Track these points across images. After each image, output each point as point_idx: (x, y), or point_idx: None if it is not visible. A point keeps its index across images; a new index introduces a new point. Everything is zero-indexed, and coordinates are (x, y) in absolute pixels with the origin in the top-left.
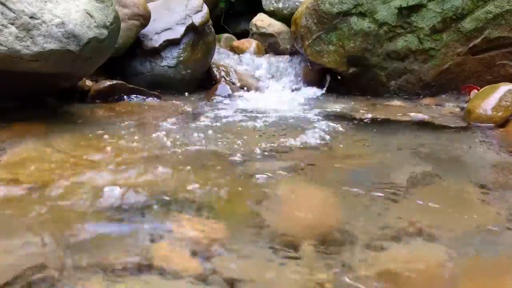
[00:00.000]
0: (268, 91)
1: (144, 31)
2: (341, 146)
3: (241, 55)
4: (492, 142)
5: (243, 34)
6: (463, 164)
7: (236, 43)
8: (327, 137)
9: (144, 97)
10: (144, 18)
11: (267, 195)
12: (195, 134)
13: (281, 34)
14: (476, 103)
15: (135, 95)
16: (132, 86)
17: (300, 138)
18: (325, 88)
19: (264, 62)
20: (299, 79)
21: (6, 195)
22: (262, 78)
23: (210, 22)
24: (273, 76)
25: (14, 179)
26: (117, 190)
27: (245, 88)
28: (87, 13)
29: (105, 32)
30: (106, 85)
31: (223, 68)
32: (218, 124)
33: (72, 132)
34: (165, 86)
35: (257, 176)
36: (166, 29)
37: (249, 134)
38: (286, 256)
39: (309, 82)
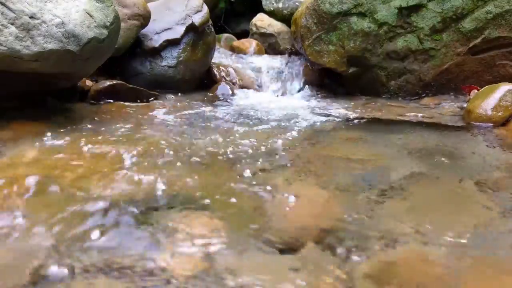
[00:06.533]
0: (268, 91)
1: (144, 31)
2: (341, 145)
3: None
4: (492, 142)
5: (243, 34)
6: (462, 164)
7: (236, 43)
8: (327, 136)
9: (144, 97)
10: (144, 18)
11: (267, 194)
12: (195, 134)
13: (281, 34)
14: (476, 103)
15: (135, 95)
16: (132, 86)
17: (300, 137)
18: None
19: (264, 62)
20: (299, 79)
21: (5, 194)
22: (262, 78)
23: (210, 22)
24: (273, 76)
25: (14, 178)
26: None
27: (246, 88)
28: (87, 13)
29: (105, 32)
30: (106, 85)
31: (223, 68)
32: (217, 123)
33: (72, 132)
34: (165, 86)
35: (256, 175)
36: (166, 29)
37: (249, 134)
38: (286, 256)
39: (309, 82)
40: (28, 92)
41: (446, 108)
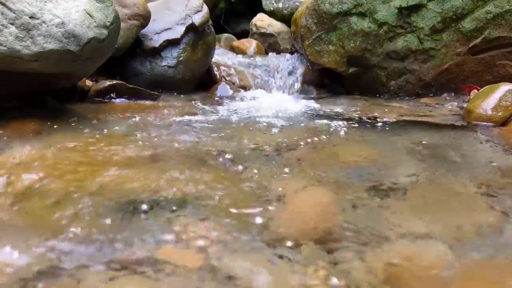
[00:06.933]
0: (268, 91)
1: (144, 31)
2: (341, 145)
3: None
4: (492, 142)
5: (243, 34)
6: (462, 163)
7: (236, 43)
8: (327, 137)
9: (144, 97)
10: (144, 18)
11: (267, 194)
12: (195, 134)
13: (281, 34)
14: (476, 103)
15: (135, 95)
16: (132, 86)
17: (300, 137)
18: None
19: (265, 62)
20: (299, 79)
21: (6, 194)
22: (263, 78)
23: (210, 22)
24: (274, 76)
25: (15, 178)
26: None
27: (246, 88)
28: (87, 13)
29: (105, 32)
30: (106, 85)
31: (223, 68)
32: (217, 123)
33: (72, 132)
34: (165, 86)
35: (256, 175)
36: (166, 29)
37: (249, 134)
38: (286, 255)
39: (309, 82)
40: (28, 92)
41: (446, 108)
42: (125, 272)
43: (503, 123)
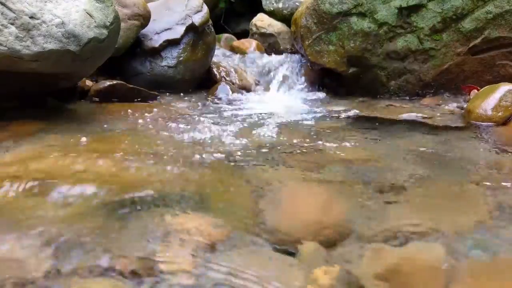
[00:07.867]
0: (268, 90)
1: (144, 31)
2: (341, 146)
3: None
4: (492, 142)
5: (243, 34)
6: (463, 163)
7: (236, 43)
8: (327, 137)
9: (144, 97)
10: (144, 18)
11: (267, 194)
12: (194, 134)
13: (281, 34)
14: (476, 103)
15: (135, 95)
16: (132, 86)
17: (299, 137)
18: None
19: (264, 62)
20: (299, 79)
21: (7, 193)
22: (262, 77)
23: (210, 22)
24: (273, 76)
25: (15, 178)
26: None
27: (246, 88)
28: (87, 13)
29: (105, 32)
30: (106, 85)
31: (223, 68)
32: (217, 123)
33: (72, 132)
34: (165, 86)
35: (256, 175)
36: (166, 29)
37: (248, 133)
38: (286, 255)
39: (309, 82)
40: (28, 92)
41: (446, 108)
42: None
43: (503, 123)
